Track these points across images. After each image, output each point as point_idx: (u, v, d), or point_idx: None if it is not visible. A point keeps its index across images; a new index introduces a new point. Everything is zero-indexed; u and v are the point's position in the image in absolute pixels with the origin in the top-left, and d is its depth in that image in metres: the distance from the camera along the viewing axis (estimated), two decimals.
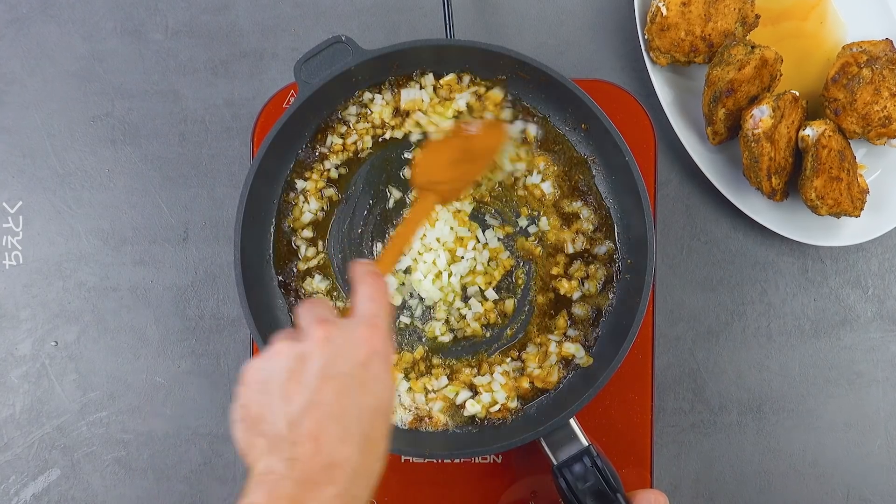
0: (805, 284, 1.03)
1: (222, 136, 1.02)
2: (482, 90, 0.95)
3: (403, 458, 0.96)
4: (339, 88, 0.93)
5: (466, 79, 0.95)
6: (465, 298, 0.94)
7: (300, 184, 0.95)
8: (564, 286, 0.94)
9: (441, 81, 0.95)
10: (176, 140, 1.02)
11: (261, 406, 0.65)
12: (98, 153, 1.02)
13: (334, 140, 0.95)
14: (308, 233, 0.95)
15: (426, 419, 0.92)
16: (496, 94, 0.95)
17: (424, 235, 0.94)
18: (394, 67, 0.94)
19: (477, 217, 0.96)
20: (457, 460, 0.96)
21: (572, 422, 0.88)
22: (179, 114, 1.03)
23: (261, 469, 0.64)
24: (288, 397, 0.64)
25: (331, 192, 0.96)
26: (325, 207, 0.96)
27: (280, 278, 0.95)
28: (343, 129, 0.95)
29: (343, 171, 0.96)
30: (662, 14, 0.96)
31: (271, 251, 0.95)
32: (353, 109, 0.95)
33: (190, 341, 1.01)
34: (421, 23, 1.04)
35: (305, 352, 0.65)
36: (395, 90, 0.95)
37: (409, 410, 0.93)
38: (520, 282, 0.95)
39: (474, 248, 0.95)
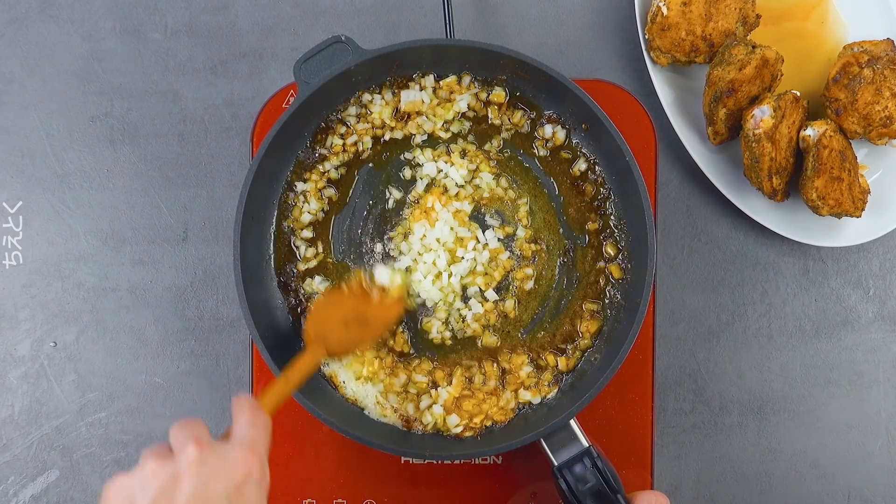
0: (806, 285, 1.02)
1: (222, 136, 1.02)
2: (483, 94, 0.95)
3: (403, 458, 0.96)
4: (338, 88, 0.93)
5: (467, 80, 0.95)
6: (465, 299, 0.94)
7: (300, 185, 0.95)
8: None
9: (442, 83, 0.95)
10: (175, 140, 1.02)
11: None
12: (97, 153, 1.02)
13: (334, 141, 0.95)
14: (308, 233, 0.95)
15: (415, 421, 0.92)
16: (499, 93, 0.95)
17: (424, 236, 0.94)
18: (394, 67, 0.94)
19: (477, 217, 0.95)
20: (457, 461, 0.96)
21: (573, 423, 0.88)
22: (179, 114, 1.02)
23: None
24: None
25: (330, 192, 0.95)
26: (324, 208, 0.95)
27: (280, 279, 0.95)
28: (343, 129, 0.95)
29: (343, 171, 0.96)
30: (663, 14, 0.96)
31: (271, 251, 0.95)
32: (352, 110, 0.95)
33: (189, 342, 1.01)
34: (421, 22, 1.04)
35: (177, 472, 0.64)
36: (396, 91, 0.95)
37: (396, 412, 0.92)
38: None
39: (474, 249, 0.94)
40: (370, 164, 0.96)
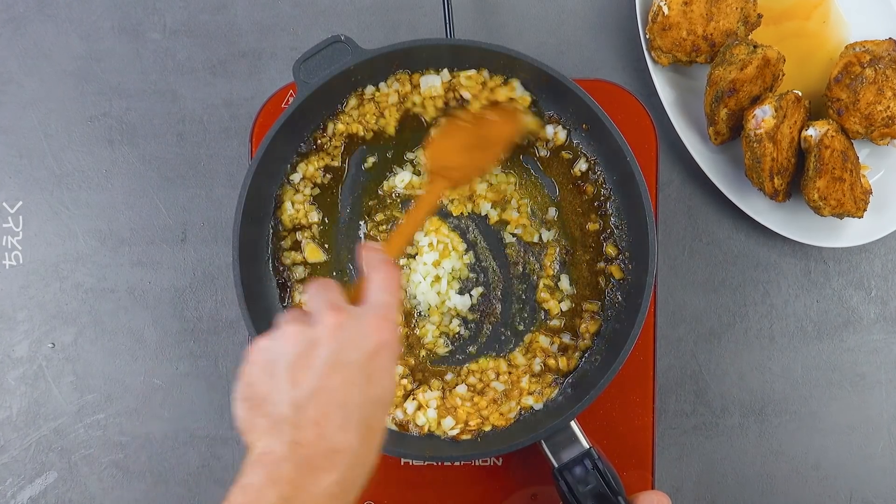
0: (808, 286, 1.02)
1: (220, 136, 1.02)
2: (497, 83, 0.94)
3: (403, 460, 0.96)
4: (338, 88, 0.93)
5: (485, 73, 0.94)
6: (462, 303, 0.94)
7: (300, 185, 0.94)
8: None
9: (462, 75, 0.94)
10: (174, 140, 1.02)
11: (266, 386, 0.65)
12: (95, 153, 1.02)
13: (334, 142, 0.95)
14: (308, 233, 0.94)
15: (408, 423, 0.92)
16: (523, 96, 0.94)
17: (428, 232, 0.93)
18: (393, 67, 0.94)
19: (475, 218, 0.95)
20: (457, 463, 0.96)
21: (573, 424, 0.87)
22: (177, 114, 1.02)
23: (260, 449, 0.64)
24: (295, 381, 0.64)
25: (330, 193, 0.95)
26: (325, 208, 0.95)
27: (279, 279, 0.94)
28: (342, 126, 0.95)
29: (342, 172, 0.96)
30: (664, 13, 0.95)
31: (270, 252, 0.94)
32: (353, 102, 0.95)
33: (188, 343, 1.00)
34: (421, 22, 1.03)
35: (316, 337, 0.65)
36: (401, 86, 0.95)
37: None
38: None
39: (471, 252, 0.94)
40: (371, 161, 0.95)
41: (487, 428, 0.91)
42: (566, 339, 0.94)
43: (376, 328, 0.66)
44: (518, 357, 0.93)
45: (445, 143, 0.88)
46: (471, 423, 0.91)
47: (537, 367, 0.93)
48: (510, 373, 0.93)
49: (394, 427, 0.92)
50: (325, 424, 0.63)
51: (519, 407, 0.92)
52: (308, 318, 0.67)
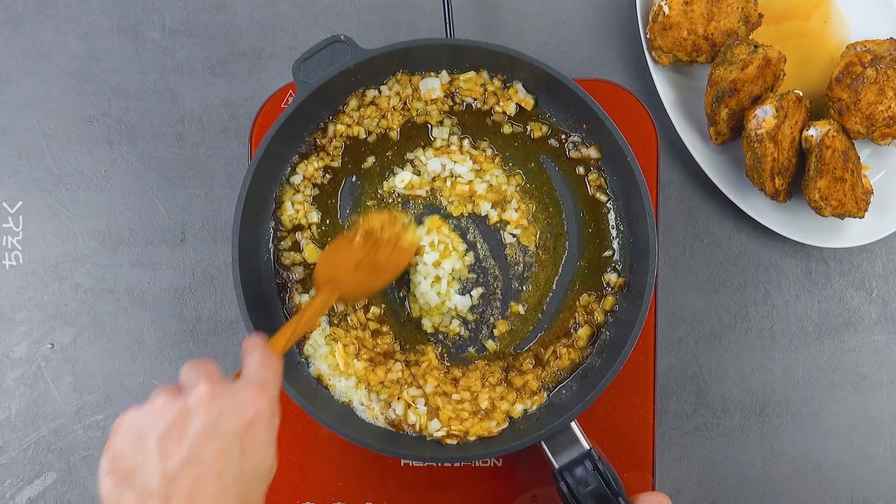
0: (809, 286, 1.02)
1: (220, 136, 1.02)
2: (497, 86, 0.94)
3: (403, 461, 0.96)
4: (338, 88, 0.92)
5: (485, 74, 0.94)
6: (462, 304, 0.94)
7: (300, 185, 0.94)
8: None
9: (461, 77, 0.94)
10: (173, 140, 1.02)
11: (134, 459, 0.63)
12: (94, 153, 1.02)
13: (335, 143, 0.95)
14: (308, 233, 0.94)
15: (402, 423, 0.91)
16: (527, 98, 0.94)
17: (431, 230, 0.93)
18: (394, 67, 0.93)
19: (475, 219, 0.95)
20: (457, 464, 0.96)
21: (573, 425, 0.87)
22: (177, 114, 1.02)
23: None
24: (166, 452, 0.62)
25: (330, 193, 0.95)
26: (324, 208, 0.95)
27: (278, 280, 0.94)
28: (342, 127, 0.95)
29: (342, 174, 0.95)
30: (664, 13, 0.95)
31: (270, 253, 0.94)
32: (354, 103, 0.94)
33: (187, 343, 1.00)
34: (421, 22, 1.03)
35: (188, 407, 0.63)
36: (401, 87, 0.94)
37: (382, 414, 0.92)
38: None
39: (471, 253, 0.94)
40: (371, 161, 0.95)
41: (472, 438, 0.91)
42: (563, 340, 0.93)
43: (252, 398, 0.65)
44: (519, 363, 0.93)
45: (336, 257, 0.88)
46: (453, 427, 0.91)
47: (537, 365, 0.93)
48: (496, 385, 0.93)
49: (389, 427, 0.91)
50: (198, 497, 0.61)
51: (506, 418, 0.92)
52: (181, 390, 0.65)
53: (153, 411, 0.64)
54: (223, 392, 0.64)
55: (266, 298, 0.93)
